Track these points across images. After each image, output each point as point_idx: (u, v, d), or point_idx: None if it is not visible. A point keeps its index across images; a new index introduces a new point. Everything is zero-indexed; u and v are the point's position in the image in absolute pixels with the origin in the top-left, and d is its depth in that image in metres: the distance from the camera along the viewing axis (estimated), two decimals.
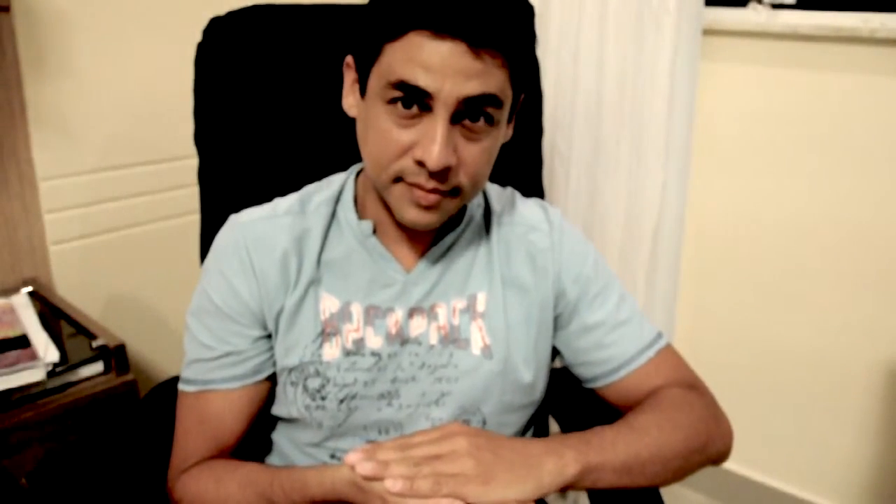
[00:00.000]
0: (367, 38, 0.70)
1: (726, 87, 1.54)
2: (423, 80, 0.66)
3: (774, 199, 1.55)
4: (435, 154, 0.67)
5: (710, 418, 0.81)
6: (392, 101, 0.68)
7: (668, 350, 0.87)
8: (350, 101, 0.78)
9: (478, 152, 0.71)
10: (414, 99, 0.68)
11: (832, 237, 1.50)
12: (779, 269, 1.58)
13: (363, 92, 0.73)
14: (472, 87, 0.66)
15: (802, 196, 1.51)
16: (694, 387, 0.84)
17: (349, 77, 0.77)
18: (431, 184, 0.70)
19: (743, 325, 1.65)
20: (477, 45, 0.65)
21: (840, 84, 1.42)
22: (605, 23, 1.46)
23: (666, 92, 1.44)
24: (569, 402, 0.96)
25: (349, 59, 0.76)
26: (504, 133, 0.76)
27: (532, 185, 1.19)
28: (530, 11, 0.72)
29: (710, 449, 0.79)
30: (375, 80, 0.70)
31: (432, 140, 0.67)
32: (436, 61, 0.65)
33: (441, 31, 0.64)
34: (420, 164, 0.69)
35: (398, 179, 0.71)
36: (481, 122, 0.70)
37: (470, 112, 0.69)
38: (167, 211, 1.49)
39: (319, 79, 1.04)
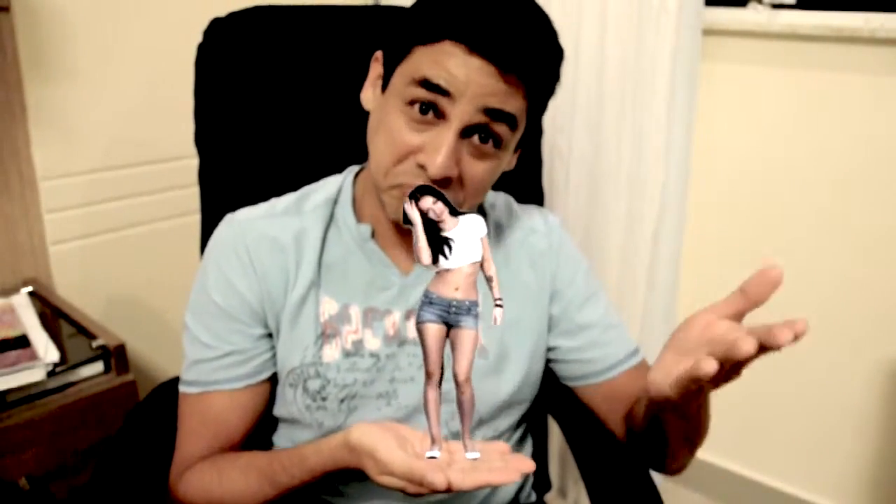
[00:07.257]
0: (399, 38, 0.72)
1: (726, 87, 1.54)
2: (445, 82, 0.67)
3: (775, 199, 1.55)
4: (438, 161, 0.68)
5: None
6: (411, 103, 0.69)
7: (646, 362, 0.91)
8: (368, 95, 0.78)
9: (481, 171, 0.72)
10: (431, 105, 0.68)
11: (833, 237, 1.50)
12: None
13: (385, 87, 0.74)
14: (493, 102, 0.68)
15: (802, 196, 1.51)
16: None
17: (374, 71, 0.78)
18: None
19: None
20: (506, 70, 0.67)
21: (840, 84, 1.42)
22: (605, 23, 1.46)
23: (666, 92, 1.44)
24: (569, 402, 0.96)
25: (378, 54, 0.77)
26: (508, 161, 0.77)
27: (532, 186, 1.19)
28: (561, 55, 0.74)
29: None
30: (399, 78, 0.71)
31: (438, 147, 0.68)
32: (463, 72, 0.67)
33: (476, 48, 0.66)
34: (421, 167, 0.69)
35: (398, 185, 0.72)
36: (490, 144, 0.71)
37: (482, 129, 0.70)
38: (167, 211, 1.49)
39: (320, 80, 1.04)
